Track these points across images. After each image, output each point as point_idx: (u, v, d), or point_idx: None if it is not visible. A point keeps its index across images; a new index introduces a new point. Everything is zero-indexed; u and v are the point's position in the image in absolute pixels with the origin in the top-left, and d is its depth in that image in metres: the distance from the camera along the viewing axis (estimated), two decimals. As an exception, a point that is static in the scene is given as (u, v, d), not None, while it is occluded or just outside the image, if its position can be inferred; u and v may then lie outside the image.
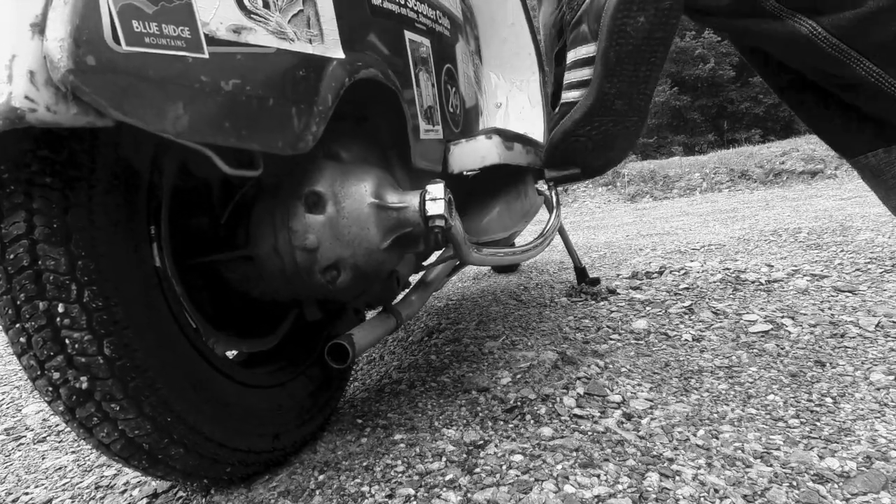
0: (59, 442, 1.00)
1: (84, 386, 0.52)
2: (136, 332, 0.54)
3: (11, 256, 0.49)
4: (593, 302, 1.50)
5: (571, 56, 0.87)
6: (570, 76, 0.88)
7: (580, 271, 1.66)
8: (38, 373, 0.52)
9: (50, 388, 0.52)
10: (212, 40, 0.49)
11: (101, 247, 0.52)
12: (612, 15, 0.78)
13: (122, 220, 0.55)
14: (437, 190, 0.69)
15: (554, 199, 1.45)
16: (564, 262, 2.34)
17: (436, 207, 0.69)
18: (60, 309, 0.50)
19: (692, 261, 1.98)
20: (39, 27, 0.39)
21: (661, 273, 1.81)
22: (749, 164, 7.83)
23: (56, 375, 0.51)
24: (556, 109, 0.93)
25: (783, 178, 7.29)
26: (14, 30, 0.39)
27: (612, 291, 1.58)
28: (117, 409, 0.53)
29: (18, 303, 0.50)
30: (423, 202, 0.69)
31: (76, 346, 0.51)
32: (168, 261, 0.63)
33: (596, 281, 1.64)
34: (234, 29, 0.51)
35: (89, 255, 0.51)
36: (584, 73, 0.86)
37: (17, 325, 0.51)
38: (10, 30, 0.39)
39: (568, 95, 0.89)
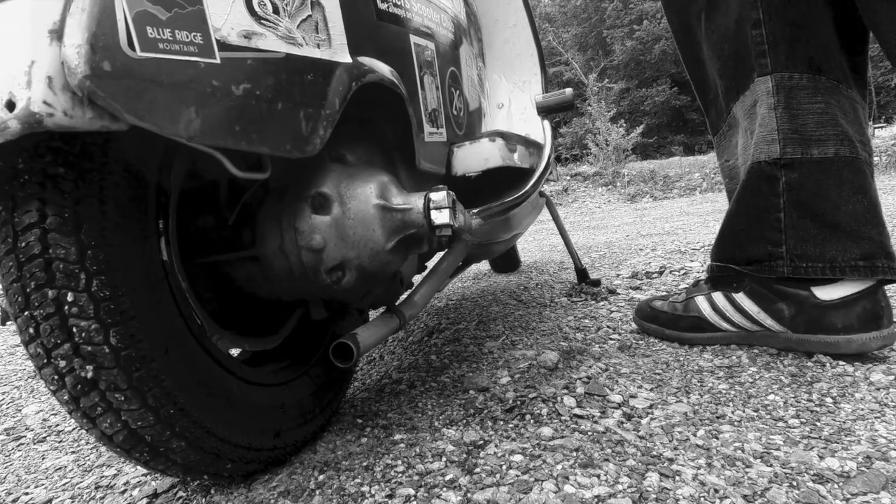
0: (59, 442, 1.00)
1: (89, 375, 0.52)
2: (142, 323, 0.54)
3: (23, 244, 0.50)
4: (593, 302, 1.50)
5: None
6: None
7: (581, 272, 1.66)
8: (45, 361, 0.52)
9: (56, 377, 0.53)
10: (223, 46, 0.49)
11: (110, 237, 0.52)
12: None
13: (131, 213, 0.55)
14: (440, 197, 0.70)
15: (548, 133, 1.39)
16: (564, 262, 2.34)
17: (441, 217, 0.69)
18: (69, 297, 0.50)
19: (692, 261, 1.98)
20: (57, 33, 0.40)
21: (661, 273, 1.81)
22: (749, 164, 7.81)
23: (62, 364, 0.52)
24: None
25: (783, 178, 7.28)
26: (33, 36, 0.40)
27: (613, 291, 1.58)
28: (121, 399, 0.54)
29: (28, 290, 0.51)
30: (427, 207, 0.70)
31: (83, 334, 0.51)
32: (175, 257, 0.63)
33: (597, 283, 1.64)
34: (244, 34, 0.52)
35: (99, 245, 0.51)
36: None
37: (26, 314, 0.51)
38: (28, 36, 0.40)
39: None
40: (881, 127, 9.85)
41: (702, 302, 1.04)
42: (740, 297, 0.98)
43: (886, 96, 20.42)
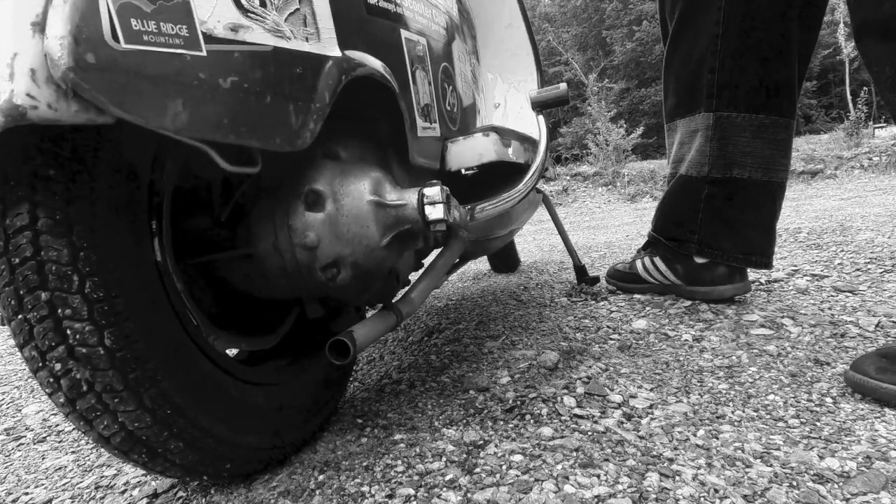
0: (59, 442, 1.00)
1: (85, 377, 0.52)
2: (136, 324, 0.54)
3: (14, 248, 0.50)
4: (593, 302, 1.49)
5: None
6: None
7: (580, 270, 1.66)
8: (40, 364, 0.52)
9: (51, 380, 0.52)
10: (209, 38, 0.49)
11: (102, 238, 0.52)
12: None
13: (123, 214, 0.55)
14: (434, 192, 0.70)
15: (542, 128, 1.41)
16: (564, 261, 2.34)
17: (436, 212, 0.69)
18: (62, 299, 0.50)
19: (692, 261, 1.98)
20: (40, 25, 0.39)
21: (661, 273, 1.81)
22: (749, 164, 7.81)
23: (57, 367, 0.52)
24: None
25: (783, 178, 7.28)
26: (15, 28, 0.40)
27: (613, 291, 1.58)
28: (117, 401, 0.53)
29: (21, 293, 0.50)
30: (421, 202, 0.70)
31: (77, 336, 0.51)
32: (169, 257, 0.63)
33: (595, 280, 1.64)
34: (231, 27, 0.51)
35: (91, 246, 0.51)
36: None
37: (20, 317, 0.51)
38: (11, 28, 0.40)
39: None
40: (881, 127, 9.80)
41: (638, 263, 1.47)
42: (657, 261, 1.41)
43: (886, 96, 20.37)
